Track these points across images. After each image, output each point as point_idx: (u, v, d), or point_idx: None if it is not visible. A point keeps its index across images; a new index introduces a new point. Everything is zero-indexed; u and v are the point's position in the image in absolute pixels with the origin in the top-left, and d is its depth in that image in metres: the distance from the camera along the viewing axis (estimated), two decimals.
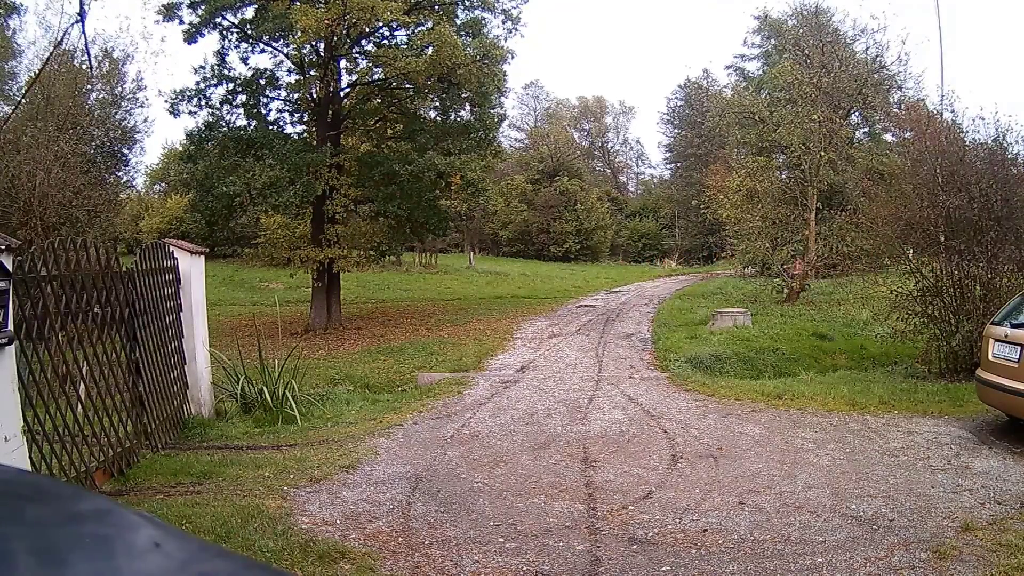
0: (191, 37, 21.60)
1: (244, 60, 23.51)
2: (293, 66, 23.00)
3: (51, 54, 19.00)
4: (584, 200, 58.07)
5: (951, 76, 79.12)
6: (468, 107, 24.16)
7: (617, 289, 33.44)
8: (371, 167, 21.79)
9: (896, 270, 14.15)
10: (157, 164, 48.03)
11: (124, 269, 7.57)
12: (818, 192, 24.68)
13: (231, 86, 22.57)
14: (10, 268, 5.27)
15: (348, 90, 23.45)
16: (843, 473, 7.14)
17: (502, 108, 26.44)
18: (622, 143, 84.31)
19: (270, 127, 22.78)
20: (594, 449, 8.16)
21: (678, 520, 5.96)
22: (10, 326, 5.22)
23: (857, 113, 28.14)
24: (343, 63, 22.58)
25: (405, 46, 21.38)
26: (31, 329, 5.66)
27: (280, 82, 23.17)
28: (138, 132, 29.61)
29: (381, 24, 20.62)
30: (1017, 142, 12.83)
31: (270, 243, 23.29)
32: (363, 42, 22.36)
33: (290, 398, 9.82)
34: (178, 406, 8.74)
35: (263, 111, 23.04)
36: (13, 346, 5.24)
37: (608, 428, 9.13)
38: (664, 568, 5.07)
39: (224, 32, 22.29)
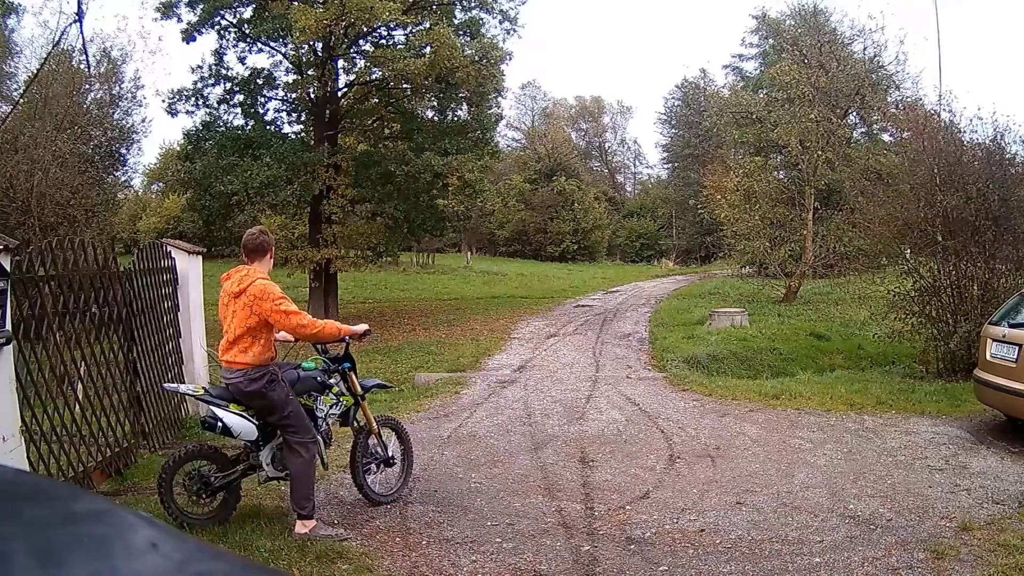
0: (189, 36, 21.62)
1: (242, 60, 23.60)
2: (291, 66, 23.00)
3: (49, 54, 19.00)
4: (581, 200, 58.15)
5: (949, 76, 79.24)
6: (465, 107, 24.17)
7: (614, 289, 33.45)
8: (368, 167, 21.80)
9: (894, 270, 14.17)
10: (155, 164, 48.10)
11: (122, 269, 7.56)
12: (816, 192, 24.72)
13: (229, 86, 22.59)
14: (8, 268, 5.27)
15: (345, 90, 23.45)
16: (841, 473, 7.14)
17: (499, 108, 26.48)
18: (619, 143, 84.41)
19: (267, 127, 22.80)
20: (591, 449, 8.16)
21: (675, 520, 5.96)
22: (8, 326, 5.22)
23: (855, 113, 28.15)
24: (341, 63, 22.59)
25: (403, 46, 21.38)
26: (29, 329, 5.66)
27: (278, 82, 23.19)
28: (136, 132, 29.54)
29: (379, 24, 20.62)
30: (1015, 142, 12.87)
31: None
32: (361, 42, 22.37)
33: None
34: (176, 406, 8.73)
35: (261, 111, 23.07)
36: (11, 346, 5.24)
37: (605, 428, 9.13)
38: (662, 568, 5.07)
39: (222, 31, 22.32)
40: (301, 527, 5.45)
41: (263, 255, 5.70)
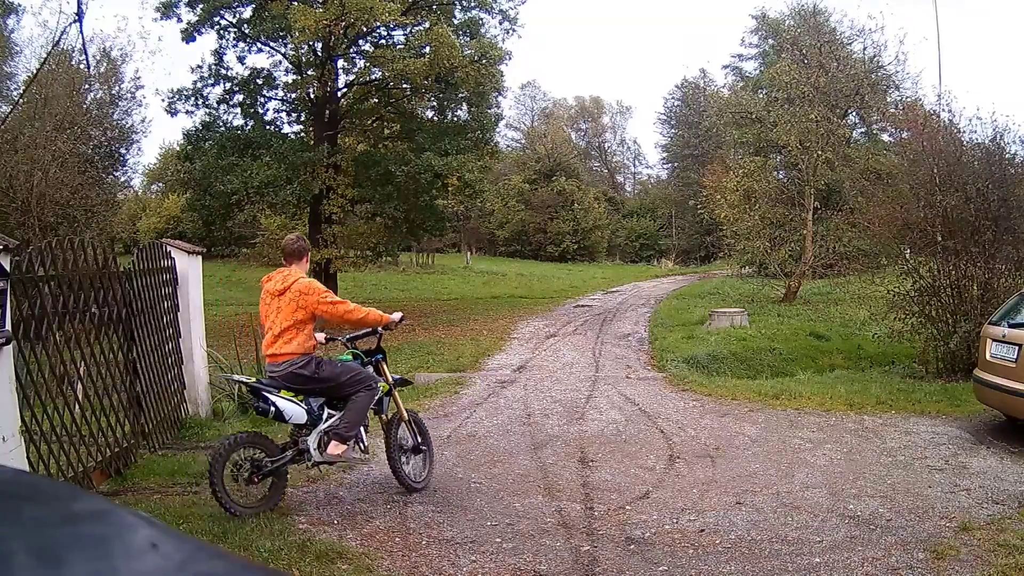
0: (189, 36, 21.64)
1: (241, 60, 23.57)
2: (291, 66, 23.01)
3: (49, 54, 19.00)
4: (581, 200, 58.13)
5: (949, 76, 79.27)
6: (465, 107, 24.18)
7: (614, 289, 33.46)
8: (368, 167, 21.81)
9: (893, 270, 14.15)
10: (155, 164, 48.08)
11: (121, 269, 7.55)
12: (815, 192, 24.71)
13: (228, 85, 22.61)
14: (8, 268, 5.26)
15: (345, 90, 23.48)
16: (840, 473, 7.14)
17: (499, 108, 26.51)
18: (619, 143, 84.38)
19: (267, 127, 22.82)
20: (591, 449, 8.16)
21: (675, 520, 5.96)
22: (8, 326, 5.21)
23: (854, 113, 28.15)
24: (340, 63, 22.62)
25: (402, 46, 21.39)
26: (29, 329, 5.65)
27: (277, 82, 23.20)
28: (136, 132, 29.57)
29: (379, 24, 20.63)
30: (1014, 142, 12.85)
31: (268, 243, 23.29)
32: (360, 42, 22.38)
33: None
34: (175, 406, 8.72)
35: (260, 111, 23.09)
36: (11, 346, 5.23)
37: (605, 428, 9.13)
38: (661, 568, 5.07)
39: (222, 31, 22.34)
40: (335, 447, 5.98)
41: (300, 258, 6.28)
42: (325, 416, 6.14)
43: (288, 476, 6.12)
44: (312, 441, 6.01)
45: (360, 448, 6.36)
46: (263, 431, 6.69)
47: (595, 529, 5.77)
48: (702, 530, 5.74)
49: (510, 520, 5.96)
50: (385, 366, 6.68)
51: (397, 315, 6.63)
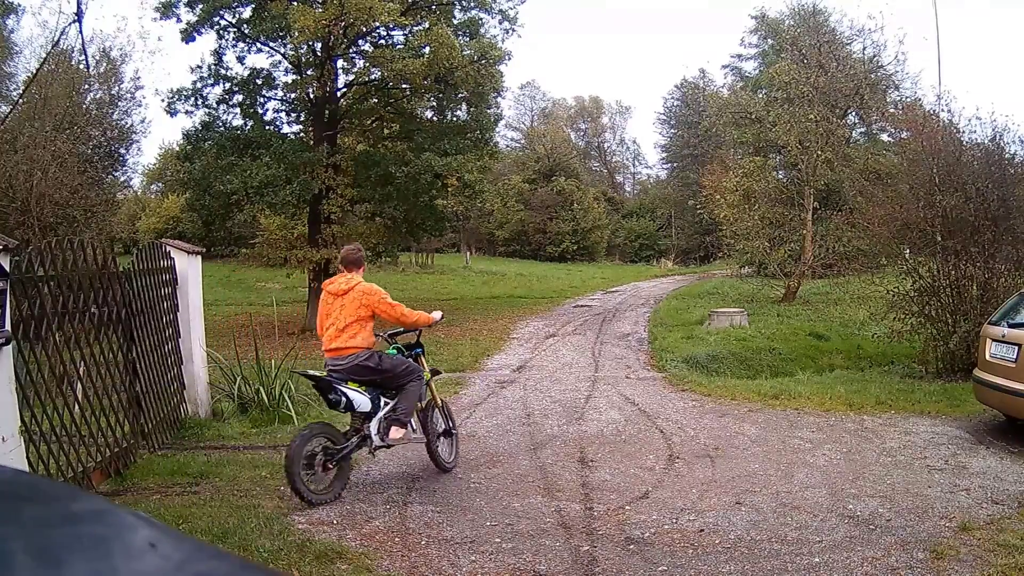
0: (188, 36, 21.59)
1: (241, 60, 23.50)
2: (290, 66, 22.96)
3: (48, 54, 19.04)
4: (581, 200, 58.09)
5: (948, 76, 79.32)
6: (465, 107, 24.14)
7: (614, 289, 33.46)
8: (368, 167, 21.77)
9: (893, 270, 14.16)
10: (154, 164, 48.06)
11: (121, 269, 7.55)
12: (815, 192, 24.71)
13: (228, 85, 22.53)
14: (8, 268, 5.26)
15: (344, 90, 23.42)
16: (840, 473, 7.14)
17: (499, 108, 26.46)
18: (618, 143, 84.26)
19: (267, 127, 22.73)
20: (590, 449, 8.16)
21: (675, 520, 5.96)
22: (7, 326, 5.21)
23: (854, 113, 28.16)
24: (340, 63, 22.57)
25: (402, 46, 21.38)
26: (28, 329, 5.65)
27: (277, 82, 23.13)
28: (135, 132, 29.58)
29: (378, 24, 20.61)
30: (1014, 142, 12.86)
31: (267, 243, 23.26)
32: (360, 42, 22.35)
33: (287, 398, 9.79)
34: (175, 406, 8.73)
35: (260, 111, 22.99)
36: (11, 346, 5.23)
37: (604, 428, 9.13)
38: (661, 568, 5.07)
39: (221, 31, 22.26)
40: (395, 432, 6.62)
41: (359, 266, 7.02)
42: (382, 404, 6.73)
43: (352, 461, 6.68)
44: (374, 428, 6.55)
45: (412, 429, 6.86)
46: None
47: (594, 529, 5.76)
48: (702, 530, 5.73)
49: (509, 520, 5.96)
50: (424, 359, 7.30)
51: (437, 314, 7.33)
